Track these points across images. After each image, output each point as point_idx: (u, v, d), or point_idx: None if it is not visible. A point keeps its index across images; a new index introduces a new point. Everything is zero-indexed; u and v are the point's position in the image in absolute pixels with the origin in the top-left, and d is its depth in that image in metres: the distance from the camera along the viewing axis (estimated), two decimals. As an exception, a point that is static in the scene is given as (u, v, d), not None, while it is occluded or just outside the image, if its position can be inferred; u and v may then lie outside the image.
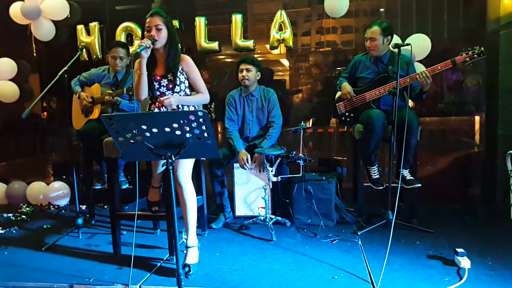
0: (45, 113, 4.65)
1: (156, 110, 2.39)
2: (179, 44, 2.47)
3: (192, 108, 2.45)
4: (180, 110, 2.36)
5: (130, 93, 3.08)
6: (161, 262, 2.51)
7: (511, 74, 3.38)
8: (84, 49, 3.81)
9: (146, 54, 2.27)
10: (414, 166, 3.09)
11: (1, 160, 4.48)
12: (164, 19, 2.33)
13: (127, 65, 3.40)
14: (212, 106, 4.43)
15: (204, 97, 2.48)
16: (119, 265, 2.49)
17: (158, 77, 2.39)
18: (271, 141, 3.24)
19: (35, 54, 4.34)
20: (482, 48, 2.80)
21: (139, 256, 2.62)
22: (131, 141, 1.85)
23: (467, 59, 2.82)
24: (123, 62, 3.33)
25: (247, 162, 3.15)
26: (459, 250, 2.32)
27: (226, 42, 3.82)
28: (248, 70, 3.27)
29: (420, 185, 2.90)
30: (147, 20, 2.32)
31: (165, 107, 2.35)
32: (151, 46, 2.27)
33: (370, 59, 3.13)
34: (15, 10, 3.69)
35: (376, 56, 3.08)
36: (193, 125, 1.77)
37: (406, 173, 2.94)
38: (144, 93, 2.37)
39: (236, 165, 3.29)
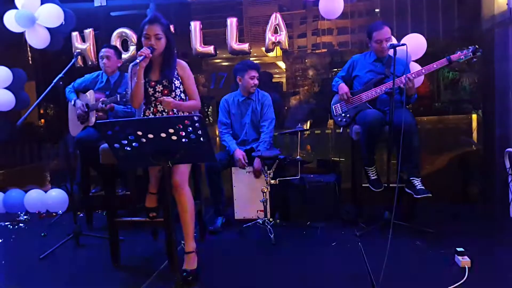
0: (42, 120, 4.64)
1: (151, 115, 2.38)
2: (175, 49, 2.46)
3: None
4: (175, 115, 2.35)
5: (124, 99, 3.06)
6: (159, 268, 2.49)
7: (506, 71, 3.38)
8: (79, 56, 3.80)
9: (144, 63, 2.25)
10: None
11: (-2, 169, 4.47)
12: (164, 27, 2.31)
13: (120, 69, 3.39)
14: (210, 109, 4.43)
15: (196, 104, 2.46)
16: (117, 273, 2.47)
17: (153, 83, 2.37)
18: (265, 146, 3.22)
19: (30, 62, 4.34)
20: (477, 46, 2.80)
21: (137, 263, 2.60)
22: (127, 148, 1.84)
23: (462, 57, 2.81)
24: (111, 61, 3.31)
25: (245, 160, 3.14)
26: (459, 249, 2.31)
27: (222, 45, 3.81)
28: (257, 78, 3.26)
29: (430, 194, 2.73)
30: (146, 27, 2.28)
31: (161, 111, 2.34)
32: (150, 55, 2.25)
33: (370, 59, 3.12)
34: (9, 18, 3.67)
35: (380, 56, 3.07)
36: (189, 130, 1.76)
37: (417, 182, 2.80)
38: (140, 102, 2.35)
39: (234, 168, 3.28)
